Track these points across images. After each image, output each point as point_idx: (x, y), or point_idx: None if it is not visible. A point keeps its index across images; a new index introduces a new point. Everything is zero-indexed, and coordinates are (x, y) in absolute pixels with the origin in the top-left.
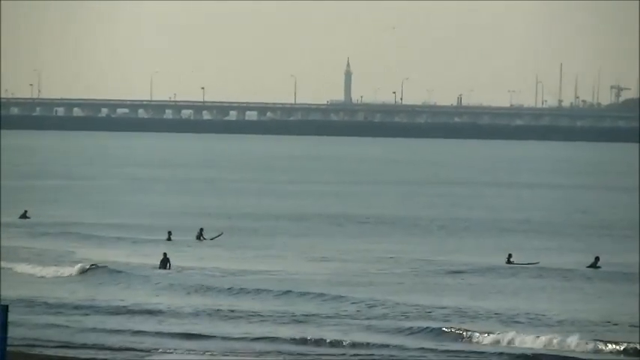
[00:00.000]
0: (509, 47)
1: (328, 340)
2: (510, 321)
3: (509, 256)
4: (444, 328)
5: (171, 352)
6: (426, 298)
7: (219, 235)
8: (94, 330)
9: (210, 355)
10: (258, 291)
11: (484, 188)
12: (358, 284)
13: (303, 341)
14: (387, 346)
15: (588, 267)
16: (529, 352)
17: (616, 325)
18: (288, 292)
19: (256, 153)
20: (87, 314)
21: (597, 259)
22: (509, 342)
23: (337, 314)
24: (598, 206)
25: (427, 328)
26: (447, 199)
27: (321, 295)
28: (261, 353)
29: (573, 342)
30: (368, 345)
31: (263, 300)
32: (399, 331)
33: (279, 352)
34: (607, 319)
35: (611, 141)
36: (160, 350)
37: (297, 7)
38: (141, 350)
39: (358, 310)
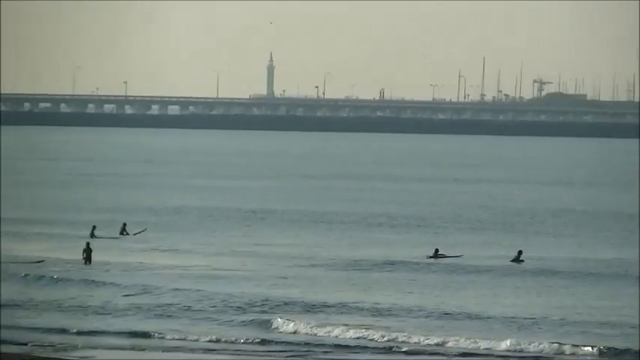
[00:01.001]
0: (433, 42)
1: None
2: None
3: (436, 251)
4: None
5: None
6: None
7: (142, 231)
8: None
9: None
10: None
11: (397, 183)
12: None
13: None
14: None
15: (512, 261)
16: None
17: (540, 321)
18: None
19: (175, 147)
20: None
21: (520, 252)
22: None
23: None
24: (523, 201)
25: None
26: (365, 193)
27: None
28: None
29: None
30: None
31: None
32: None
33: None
34: (533, 315)
35: (534, 135)
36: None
37: (221, 3)
38: None
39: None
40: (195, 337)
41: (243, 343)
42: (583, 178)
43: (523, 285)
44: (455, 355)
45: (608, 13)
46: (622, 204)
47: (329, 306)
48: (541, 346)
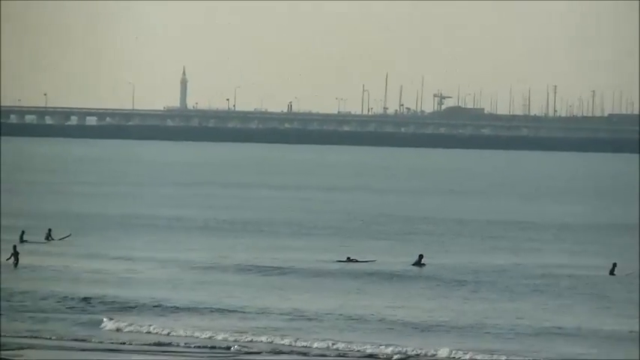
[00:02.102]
0: (339, 56)
1: None
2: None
3: (348, 258)
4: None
5: None
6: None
7: (67, 236)
8: None
9: None
10: None
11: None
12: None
13: None
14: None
15: (413, 265)
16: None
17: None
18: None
19: (94, 155)
20: None
21: (421, 256)
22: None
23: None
24: (424, 209)
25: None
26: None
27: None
28: None
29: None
30: None
31: None
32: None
33: None
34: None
35: (434, 147)
36: None
37: (134, 15)
38: None
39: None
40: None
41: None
42: (480, 188)
43: (427, 287)
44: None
45: (508, 29)
46: (512, 211)
47: (181, 308)
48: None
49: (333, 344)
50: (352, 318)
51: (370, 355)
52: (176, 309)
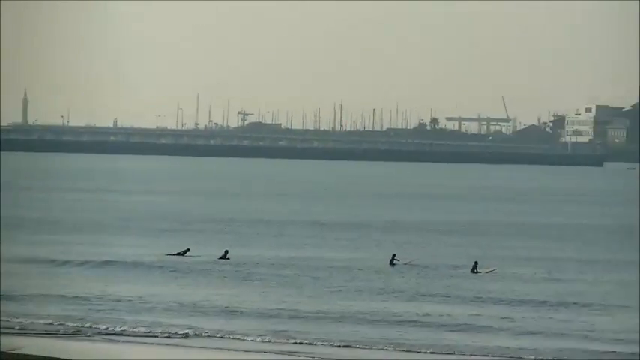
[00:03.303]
0: (156, 79)
1: None
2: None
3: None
4: None
5: None
6: None
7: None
8: None
9: None
10: None
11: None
12: None
13: None
14: None
15: (220, 258)
16: None
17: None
18: None
19: None
20: None
21: (226, 251)
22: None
23: None
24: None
25: None
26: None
27: None
28: None
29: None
30: None
31: None
32: None
33: None
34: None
35: (240, 157)
36: None
37: None
38: None
39: None
40: None
41: None
42: (278, 192)
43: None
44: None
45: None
46: (305, 212)
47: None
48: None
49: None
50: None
51: None
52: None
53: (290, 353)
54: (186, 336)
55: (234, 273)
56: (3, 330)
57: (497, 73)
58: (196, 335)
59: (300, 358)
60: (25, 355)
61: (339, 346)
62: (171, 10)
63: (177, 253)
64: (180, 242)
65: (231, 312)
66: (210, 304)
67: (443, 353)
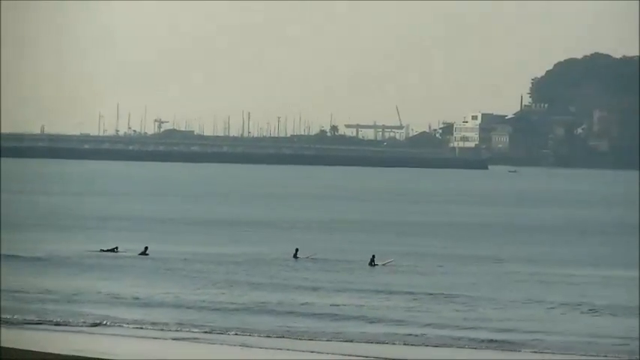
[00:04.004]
0: (79, 90)
1: None
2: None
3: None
4: None
5: None
6: None
7: None
8: None
9: None
10: None
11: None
12: None
13: None
14: None
15: (140, 254)
16: None
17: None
18: None
19: None
20: None
21: (146, 248)
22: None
23: None
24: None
25: None
26: None
27: None
28: None
29: None
30: None
31: None
32: None
33: None
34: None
35: (154, 161)
36: None
37: None
38: None
39: None
40: None
41: None
42: (182, 193)
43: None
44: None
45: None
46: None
47: None
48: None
49: None
50: None
51: None
52: None
53: (193, 340)
54: (95, 325)
55: (152, 267)
56: None
57: (392, 84)
58: (108, 325)
59: (201, 344)
60: None
61: (236, 334)
62: (88, 19)
63: (109, 250)
64: (109, 239)
65: (145, 304)
66: (128, 295)
67: (336, 340)
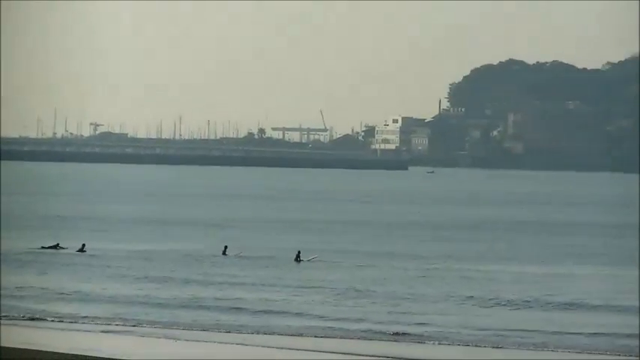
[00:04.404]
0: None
1: None
2: None
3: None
4: None
5: None
6: None
7: None
8: None
9: None
10: None
11: None
12: None
13: None
14: None
15: (77, 251)
16: None
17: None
18: None
19: None
20: None
21: (83, 245)
22: None
23: None
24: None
25: None
26: None
27: None
28: None
29: None
30: None
31: None
32: None
33: None
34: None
35: (91, 162)
36: None
37: None
38: None
39: None
40: None
41: None
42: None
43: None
44: None
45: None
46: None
47: None
48: None
49: None
50: None
51: None
52: None
53: (122, 332)
54: (32, 319)
55: (88, 264)
56: None
57: (317, 89)
58: (41, 319)
59: (128, 336)
60: None
61: (162, 327)
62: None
63: (51, 247)
64: (49, 237)
65: (81, 299)
66: (66, 290)
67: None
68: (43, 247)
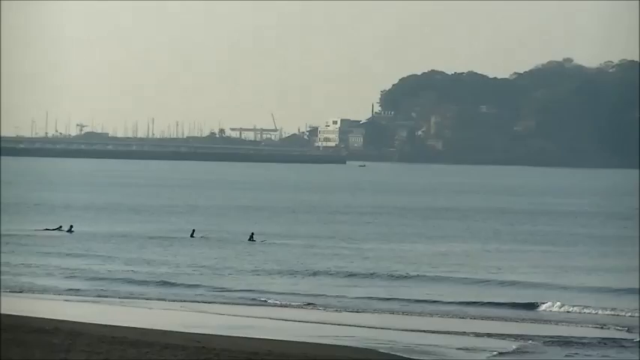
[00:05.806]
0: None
1: None
2: None
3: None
4: None
5: None
6: None
7: None
8: None
9: None
10: None
11: None
12: None
13: None
14: None
15: (67, 231)
16: None
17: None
18: None
19: None
20: None
21: (71, 226)
22: None
23: None
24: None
25: None
26: None
27: None
28: None
29: None
30: None
31: None
32: None
33: None
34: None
35: (77, 158)
36: None
37: None
38: None
39: None
40: None
41: None
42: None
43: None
44: None
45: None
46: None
47: None
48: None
49: None
50: None
51: None
52: None
53: (84, 301)
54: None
55: (76, 244)
56: None
57: (269, 94)
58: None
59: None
60: None
61: (127, 298)
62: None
63: (55, 229)
64: (50, 221)
65: (68, 276)
66: (55, 267)
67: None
68: (47, 229)
